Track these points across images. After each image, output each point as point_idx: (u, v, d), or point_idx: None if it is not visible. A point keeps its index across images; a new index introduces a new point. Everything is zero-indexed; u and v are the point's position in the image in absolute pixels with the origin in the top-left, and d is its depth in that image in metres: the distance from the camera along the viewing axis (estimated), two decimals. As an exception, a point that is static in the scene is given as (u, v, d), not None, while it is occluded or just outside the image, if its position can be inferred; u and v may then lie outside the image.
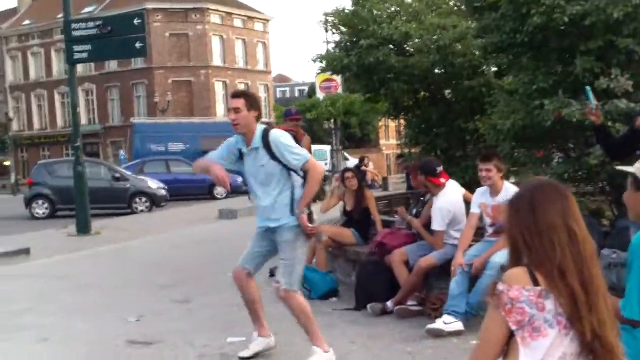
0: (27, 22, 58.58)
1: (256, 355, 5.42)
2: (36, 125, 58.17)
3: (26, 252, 11.02)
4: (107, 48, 14.88)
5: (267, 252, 5.51)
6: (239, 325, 6.48)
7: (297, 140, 5.61)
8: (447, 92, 11.90)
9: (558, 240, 2.24)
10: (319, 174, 5.15)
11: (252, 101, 5.27)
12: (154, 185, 22.25)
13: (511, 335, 2.26)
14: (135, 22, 14.45)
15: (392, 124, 48.93)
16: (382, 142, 56.38)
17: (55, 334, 6.42)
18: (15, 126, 57.49)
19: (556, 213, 2.27)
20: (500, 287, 2.25)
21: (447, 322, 5.94)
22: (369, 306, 6.81)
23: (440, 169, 6.77)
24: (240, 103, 5.19)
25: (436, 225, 6.59)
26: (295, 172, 5.15)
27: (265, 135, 5.16)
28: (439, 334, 5.89)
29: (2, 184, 51.14)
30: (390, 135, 56.39)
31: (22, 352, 5.84)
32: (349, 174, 8.57)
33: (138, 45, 14.28)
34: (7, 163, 56.29)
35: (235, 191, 19.48)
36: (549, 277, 2.21)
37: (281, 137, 5.16)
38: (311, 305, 7.23)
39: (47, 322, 6.91)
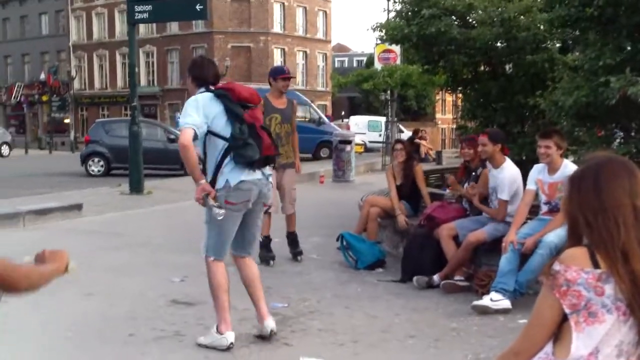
0: (92, -18, 59.27)
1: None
2: (97, 84, 59.00)
3: (78, 207, 11.14)
4: (167, 9, 14.84)
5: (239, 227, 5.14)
6: (281, 291, 6.45)
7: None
8: (508, 66, 11.58)
9: (623, 220, 2.05)
10: (180, 144, 4.75)
11: (189, 68, 5.17)
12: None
13: (564, 318, 2.11)
14: (196, -17, 14.38)
15: (449, 98, 48.41)
16: (438, 115, 55.77)
17: (99, 290, 6.46)
18: (76, 85, 58.52)
19: (623, 191, 2.09)
20: (557, 267, 2.09)
21: (494, 300, 5.82)
22: (414, 279, 6.71)
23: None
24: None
25: (505, 195, 6.45)
26: (221, 137, 4.85)
27: None
28: (485, 311, 5.76)
29: (62, 141, 52.24)
30: (446, 110, 55.75)
31: (66, 306, 5.88)
32: (398, 146, 8.44)
33: (198, 7, 14.15)
34: (67, 120, 57.55)
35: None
36: (611, 259, 2.04)
37: (187, 102, 4.94)
38: (357, 275, 7.29)
39: (93, 277, 6.92)
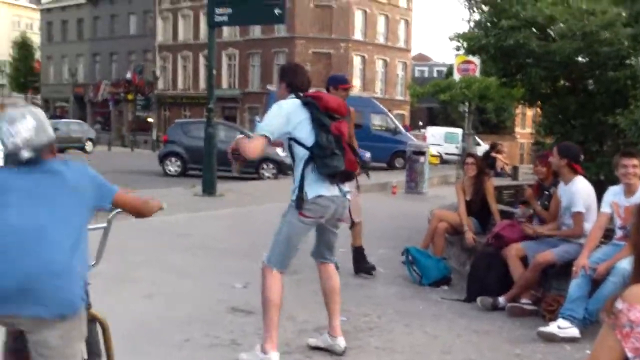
0: (179, -16, 60.50)
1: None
2: (180, 85, 60.19)
3: (150, 207, 11.29)
4: (246, 12, 15.02)
5: (315, 233, 5.10)
6: (341, 304, 6.32)
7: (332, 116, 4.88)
8: (589, 82, 11.18)
9: None
10: (246, 151, 4.67)
11: (281, 72, 5.14)
12: (281, 152, 22.44)
13: None
14: (276, -12, 14.51)
15: (529, 112, 47.37)
16: (517, 129, 54.74)
17: (160, 291, 6.50)
18: (160, 85, 59.84)
19: None
20: (620, 305, 1.92)
21: (562, 327, 5.56)
22: (478, 299, 6.50)
23: (582, 157, 6.40)
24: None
25: (580, 207, 6.21)
26: (303, 145, 4.74)
27: None
28: (551, 339, 5.52)
29: (145, 139, 53.44)
30: (526, 124, 54.61)
31: (126, 306, 5.91)
32: (469, 160, 8.23)
33: (277, 11, 14.31)
34: (150, 120, 58.87)
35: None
36: None
37: (272, 107, 4.88)
38: (421, 291, 7.13)
39: (156, 278, 7.02)
